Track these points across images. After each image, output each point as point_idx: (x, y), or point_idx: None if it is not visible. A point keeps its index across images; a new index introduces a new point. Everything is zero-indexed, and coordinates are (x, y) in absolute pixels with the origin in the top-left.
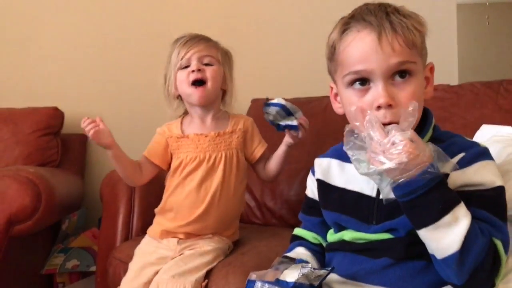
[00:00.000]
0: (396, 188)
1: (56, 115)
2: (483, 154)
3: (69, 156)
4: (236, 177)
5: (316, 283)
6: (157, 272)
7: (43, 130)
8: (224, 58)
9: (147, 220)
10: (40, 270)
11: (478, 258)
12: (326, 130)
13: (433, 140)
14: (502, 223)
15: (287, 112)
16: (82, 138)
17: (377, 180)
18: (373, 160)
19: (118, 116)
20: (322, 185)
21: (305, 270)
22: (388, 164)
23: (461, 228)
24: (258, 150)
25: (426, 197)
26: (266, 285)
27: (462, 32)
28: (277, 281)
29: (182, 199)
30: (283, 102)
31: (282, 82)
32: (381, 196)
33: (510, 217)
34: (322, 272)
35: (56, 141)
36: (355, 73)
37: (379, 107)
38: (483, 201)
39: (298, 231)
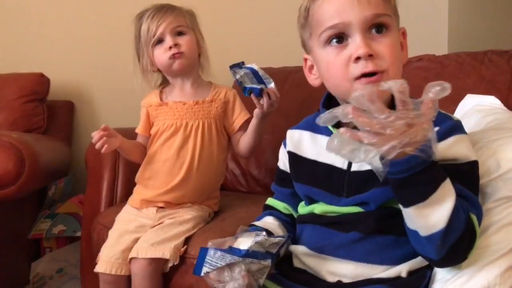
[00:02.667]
0: (393, 164)
1: (42, 81)
2: (456, 128)
3: (55, 123)
4: (217, 147)
5: (273, 251)
6: (136, 240)
7: (28, 96)
8: (192, 21)
9: (131, 187)
10: (27, 235)
11: (458, 234)
12: (312, 100)
13: None
14: (476, 197)
15: (257, 78)
16: (69, 105)
17: (374, 162)
18: (371, 138)
19: (104, 82)
20: (293, 157)
21: (259, 238)
22: (394, 142)
23: (448, 204)
24: (238, 121)
25: (422, 174)
26: (218, 252)
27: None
28: (230, 249)
29: (159, 167)
30: (256, 67)
31: (273, 50)
32: (352, 169)
33: (480, 186)
34: (278, 239)
35: (42, 108)
36: (332, 28)
37: (358, 58)
38: (458, 176)
39: (270, 201)
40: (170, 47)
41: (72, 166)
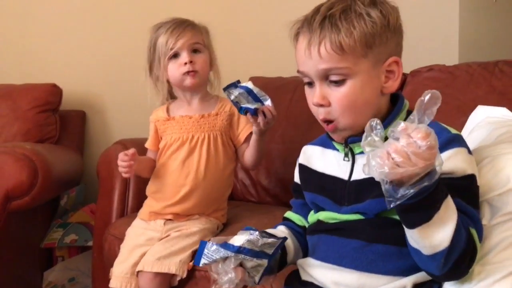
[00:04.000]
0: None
1: (55, 91)
2: (454, 140)
3: (67, 132)
4: (223, 158)
5: (269, 251)
6: (144, 254)
7: (41, 107)
8: (207, 39)
9: (142, 198)
10: (40, 244)
11: (460, 251)
12: None
13: None
14: (475, 211)
15: (253, 97)
16: (81, 115)
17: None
18: (389, 163)
19: (116, 92)
20: (303, 169)
21: (251, 237)
22: (413, 169)
23: (451, 222)
24: (243, 134)
25: (429, 197)
26: (214, 246)
27: (464, 9)
28: (225, 244)
29: (166, 179)
30: (251, 86)
31: (281, 60)
32: (352, 178)
33: (489, 200)
34: (271, 240)
35: (55, 118)
36: (300, 73)
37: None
38: (456, 190)
39: (287, 214)
40: (185, 63)
41: (84, 176)
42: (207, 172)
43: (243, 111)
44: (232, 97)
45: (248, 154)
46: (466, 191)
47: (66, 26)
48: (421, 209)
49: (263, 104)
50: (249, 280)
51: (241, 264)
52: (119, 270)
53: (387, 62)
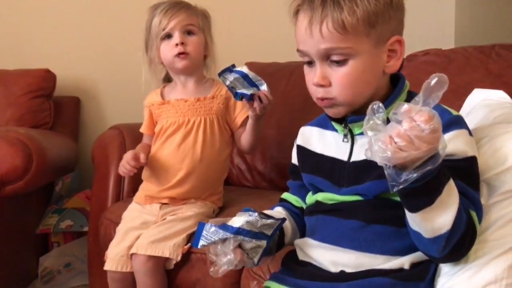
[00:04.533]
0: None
1: (48, 77)
2: (455, 122)
3: (62, 119)
4: (220, 142)
5: (268, 232)
6: (139, 236)
7: (35, 92)
8: (204, 22)
9: (137, 182)
10: (35, 230)
11: (461, 234)
12: None
13: None
14: (476, 193)
15: (248, 82)
16: (75, 101)
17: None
18: (391, 147)
19: (111, 78)
20: (301, 150)
21: (250, 218)
22: (415, 153)
23: (453, 206)
24: (239, 118)
25: (432, 181)
26: (213, 227)
27: None
28: (224, 225)
29: (162, 163)
30: (246, 70)
31: (277, 44)
32: (351, 160)
33: (487, 180)
34: (269, 221)
35: (49, 104)
36: (300, 52)
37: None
38: (457, 172)
39: (284, 195)
40: (177, 44)
41: (79, 162)
42: (203, 156)
43: (239, 96)
44: (228, 82)
45: (245, 138)
46: (467, 173)
47: (60, 11)
48: (424, 193)
49: (259, 89)
50: (248, 262)
51: (240, 246)
52: (114, 253)
53: (389, 41)
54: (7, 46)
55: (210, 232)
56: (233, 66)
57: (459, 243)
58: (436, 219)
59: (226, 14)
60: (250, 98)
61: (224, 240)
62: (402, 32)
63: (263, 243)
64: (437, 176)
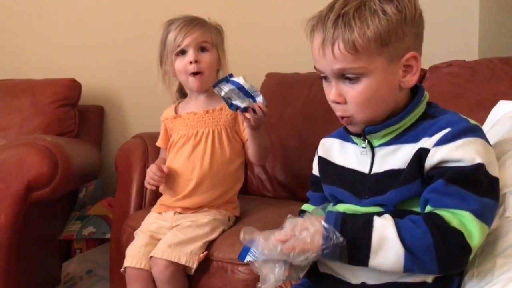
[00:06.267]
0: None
1: (74, 86)
2: (470, 131)
3: (86, 127)
4: (230, 152)
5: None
6: (154, 240)
7: (61, 101)
8: (217, 37)
9: (158, 191)
10: (58, 236)
11: (425, 243)
12: None
13: (424, 116)
14: (475, 196)
15: (244, 93)
16: (99, 110)
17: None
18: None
19: (134, 87)
20: (323, 162)
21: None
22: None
23: (391, 232)
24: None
25: (344, 233)
26: (260, 248)
27: (485, 4)
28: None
29: (173, 175)
30: (242, 82)
31: (298, 55)
32: (372, 171)
33: None
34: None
35: (74, 112)
36: (317, 70)
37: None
38: (456, 176)
39: (304, 206)
40: (191, 62)
41: (102, 170)
42: (212, 166)
43: (234, 107)
44: (223, 93)
45: (249, 149)
46: (470, 179)
47: (86, 24)
48: (355, 256)
49: (254, 100)
50: (294, 276)
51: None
52: (133, 251)
53: (404, 57)
54: (35, 56)
55: (259, 251)
56: (231, 75)
57: (440, 253)
58: (388, 259)
59: (247, 24)
60: (245, 110)
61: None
62: (419, 46)
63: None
64: (351, 246)
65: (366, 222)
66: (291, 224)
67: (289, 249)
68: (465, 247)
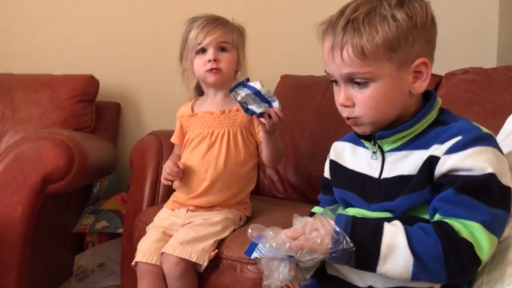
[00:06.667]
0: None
1: (92, 83)
2: (481, 139)
3: (103, 123)
4: (244, 154)
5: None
6: (166, 235)
7: (79, 97)
8: (238, 39)
9: (171, 188)
10: (72, 229)
11: (435, 253)
12: None
13: (436, 122)
14: (486, 206)
15: (260, 98)
16: (116, 106)
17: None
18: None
19: (150, 85)
20: (334, 165)
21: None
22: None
23: (401, 240)
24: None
25: (354, 238)
26: (274, 245)
27: (504, 10)
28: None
29: (188, 173)
30: (258, 87)
31: (313, 57)
32: (382, 176)
33: None
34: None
35: (91, 108)
36: (326, 73)
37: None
38: (466, 185)
39: (315, 208)
40: (210, 61)
41: (117, 165)
42: (227, 166)
43: (250, 112)
44: (239, 98)
45: (263, 152)
46: (480, 188)
47: (106, 22)
48: (362, 261)
49: (270, 105)
50: (300, 278)
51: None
52: (144, 246)
53: (414, 63)
54: (55, 52)
55: (266, 248)
56: (247, 80)
57: (449, 262)
58: (396, 267)
59: (264, 26)
60: (261, 115)
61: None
62: (431, 52)
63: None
64: (361, 251)
65: (376, 228)
66: (302, 222)
67: (297, 246)
68: (475, 259)
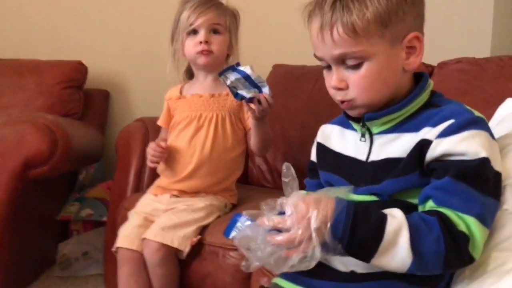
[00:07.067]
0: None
1: (80, 69)
2: (474, 123)
3: (91, 110)
4: (232, 139)
5: None
6: (148, 221)
7: (66, 83)
8: (232, 22)
9: (157, 174)
10: (56, 216)
11: (437, 250)
12: None
13: (427, 105)
14: (481, 196)
15: (250, 83)
16: (104, 94)
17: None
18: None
19: (140, 73)
20: (321, 148)
21: None
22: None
23: (403, 239)
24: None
25: (354, 239)
26: (248, 221)
27: (499, 1)
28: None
29: (173, 156)
30: (249, 71)
31: (305, 47)
32: (369, 159)
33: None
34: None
35: (79, 95)
36: (316, 57)
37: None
38: (462, 172)
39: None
40: (201, 42)
41: (104, 153)
42: (213, 151)
43: (239, 97)
44: (228, 82)
45: (251, 139)
46: (474, 174)
47: (95, 8)
48: (359, 246)
49: (260, 90)
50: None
51: None
52: (125, 232)
53: (406, 38)
54: (43, 37)
55: (245, 225)
56: (238, 64)
57: (447, 258)
58: (394, 260)
59: (255, 15)
60: (250, 100)
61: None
62: (421, 26)
63: None
64: (356, 233)
65: (379, 225)
66: (292, 215)
67: (277, 242)
68: (471, 256)
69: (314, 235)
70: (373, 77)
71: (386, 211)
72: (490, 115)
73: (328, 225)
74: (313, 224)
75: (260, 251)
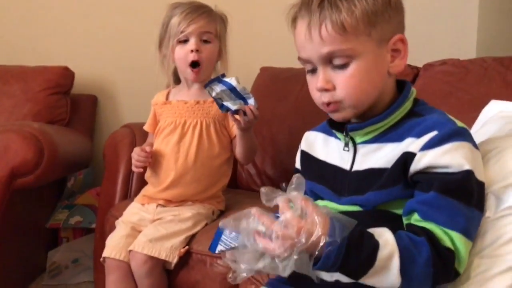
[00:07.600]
0: (317, 267)
1: (66, 74)
2: (457, 134)
3: (78, 116)
4: (217, 147)
5: None
6: (135, 230)
7: (52, 89)
8: (221, 28)
9: (146, 181)
10: (45, 224)
11: (425, 271)
12: None
13: (410, 114)
14: (466, 208)
15: (236, 94)
16: (92, 99)
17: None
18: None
19: (128, 78)
20: (305, 156)
21: None
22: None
23: (394, 265)
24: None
25: (347, 262)
26: (234, 233)
27: (484, 3)
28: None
29: (158, 163)
30: (234, 83)
31: (291, 49)
32: (353, 169)
33: (495, 192)
34: None
35: (66, 100)
36: (301, 60)
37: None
38: (447, 186)
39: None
40: (192, 51)
41: (93, 159)
42: (198, 158)
43: (224, 109)
44: (214, 93)
45: (237, 148)
46: (459, 187)
47: (81, 11)
48: (351, 268)
49: (246, 102)
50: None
51: None
52: (112, 241)
53: (392, 40)
54: (28, 43)
55: (230, 238)
56: (223, 75)
57: (434, 278)
58: (383, 282)
59: (242, 18)
60: (236, 112)
61: (244, 246)
62: (403, 32)
63: None
64: (349, 257)
65: (371, 254)
66: (281, 230)
67: (267, 250)
68: (457, 272)
69: (294, 257)
70: (361, 76)
71: (376, 234)
72: (474, 118)
73: (316, 253)
74: (295, 252)
75: (247, 256)
